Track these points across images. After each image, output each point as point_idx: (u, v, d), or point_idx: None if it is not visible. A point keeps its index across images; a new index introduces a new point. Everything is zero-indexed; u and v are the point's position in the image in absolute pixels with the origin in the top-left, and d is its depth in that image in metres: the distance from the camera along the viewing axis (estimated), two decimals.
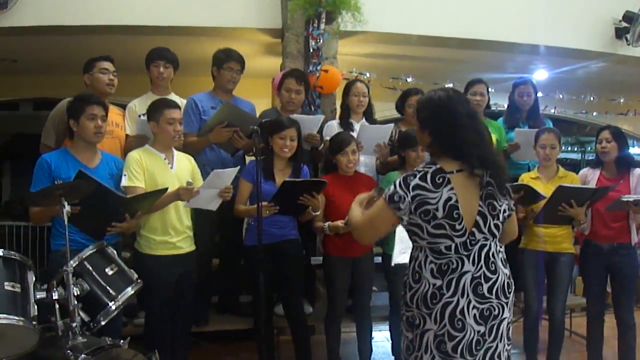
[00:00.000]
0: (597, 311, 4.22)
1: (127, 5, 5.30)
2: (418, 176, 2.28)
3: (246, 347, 4.53)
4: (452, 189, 2.26)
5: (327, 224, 3.84)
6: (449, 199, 2.25)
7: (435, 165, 2.31)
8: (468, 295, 2.27)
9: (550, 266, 4.12)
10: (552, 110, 7.48)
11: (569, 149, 12.01)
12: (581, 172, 4.40)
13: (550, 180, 4.10)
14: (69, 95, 3.62)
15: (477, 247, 2.30)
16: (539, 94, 5.13)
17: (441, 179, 2.27)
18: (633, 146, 10.40)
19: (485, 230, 2.31)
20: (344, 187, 3.94)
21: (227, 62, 4.28)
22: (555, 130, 4.28)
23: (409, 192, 2.26)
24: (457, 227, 2.26)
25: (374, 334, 4.87)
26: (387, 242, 4.06)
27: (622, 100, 7.48)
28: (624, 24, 6.43)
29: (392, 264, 3.58)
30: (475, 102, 4.74)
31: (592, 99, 7.51)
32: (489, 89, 4.90)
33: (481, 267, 2.30)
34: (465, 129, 2.30)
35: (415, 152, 3.97)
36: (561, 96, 7.38)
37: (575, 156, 12.29)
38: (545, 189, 3.93)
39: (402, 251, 3.44)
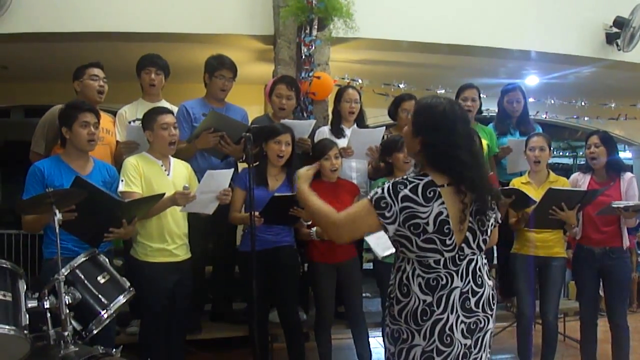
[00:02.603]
0: (591, 315, 4.23)
1: (119, 12, 5.29)
2: (409, 187, 2.19)
3: (240, 355, 4.52)
4: (442, 203, 2.19)
5: (314, 229, 3.83)
6: (440, 213, 2.18)
7: (426, 177, 2.22)
8: (457, 311, 2.23)
9: (543, 271, 4.13)
10: (544, 116, 7.51)
11: (561, 153, 12.07)
12: (572, 176, 4.42)
13: (540, 185, 4.12)
14: (60, 102, 3.62)
15: (465, 262, 2.26)
16: (531, 100, 5.16)
17: (432, 193, 2.18)
18: (624, 150, 10.45)
19: (474, 246, 2.27)
20: (327, 194, 3.89)
21: (219, 69, 4.27)
22: (545, 135, 4.30)
23: (398, 203, 2.17)
24: (448, 242, 2.21)
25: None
26: None
27: (613, 105, 7.51)
28: (615, 30, 6.47)
29: (380, 258, 3.55)
30: (467, 108, 4.76)
31: (583, 104, 7.54)
32: (481, 95, 4.91)
33: (469, 281, 2.26)
34: (462, 150, 2.21)
35: (402, 153, 3.94)
36: (552, 101, 7.41)
37: (567, 161, 12.36)
38: (536, 194, 3.95)
39: (383, 245, 3.43)
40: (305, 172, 2.56)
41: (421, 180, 2.21)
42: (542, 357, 4.20)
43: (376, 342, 4.54)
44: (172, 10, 5.42)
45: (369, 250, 4.29)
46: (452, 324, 2.22)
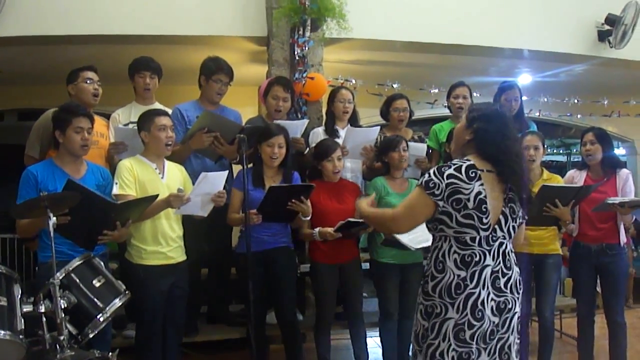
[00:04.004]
0: (587, 312, 4.25)
1: (112, 15, 5.27)
2: (453, 167, 2.43)
3: (237, 357, 4.51)
4: (482, 184, 2.41)
5: (317, 229, 3.83)
6: (480, 192, 2.40)
7: (469, 161, 2.46)
8: (488, 288, 2.42)
9: (538, 268, 4.14)
10: (537, 114, 7.51)
11: (555, 151, 12.09)
12: (568, 174, 4.43)
13: (534, 183, 4.11)
14: (54, 105, 3.60)
15: (497, 243, 2.46)
16: (524, 98, 5.15)
17: (474, 174, 2.41)
18: (618, 147, 10.47)
19: (505, 230, 2.48)
20: (329, 194, 3.95)
21: (216, 73, 4.25)
22: (538, 133, 4.31)
23: (444, 180, 2.40)
24: (484, 220, 2.41)
25: None
26: (375, 249, 4.07)
27: (605, 102, 7.53)
28: (607, 27, 6.48)
29: (414, 249, 3.59)
30: (458, 105, 4.78)
31: (576, 101, 7.56)
32: (473, 93, 4.92)
33: (499, 262, 2.47)
34: (511, 141, 2.49)
35: (397, 152, 4.01)
36: (545, 99, 7.41)
37: (561, 158, 12.38)
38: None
39: (417, 239, 3.46)
40: (364, 201, 2.82)
41: (464, 162, 2.45)
42: (539, 354, 4.21)
43: (373, 342, 4.54)
44: (165, 12, 5.40)
45: (365, 250, 4.31)
46: (483, 299, 2.41)
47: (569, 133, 10.55)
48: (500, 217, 2.46)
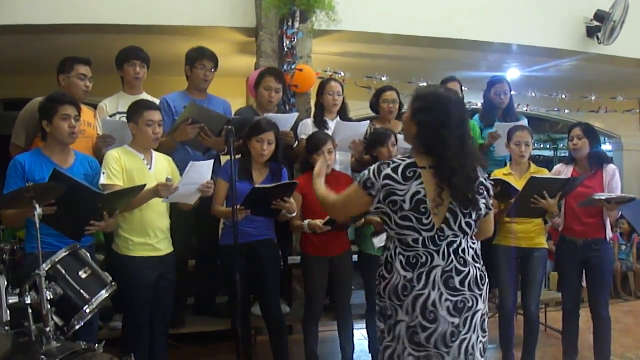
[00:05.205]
0: (573, 305, 4.29)
1: (100, 4, 5.23)
2: (391, 167, 2.35)
3: (224, 348, 4.51)
4: (421, 183, 2.31)
5: (306, 221, 3.83)
6: (417, 192, 2.31)
7: (409, 158, 2.37)
8: (439, 288, 2.32)
9: (524, 262, 4.16)
10: (525, 108, 7.56)
11: (542, 146, 12.17)
12: (555, 168, 4.46)
13: (522, 176, 4.13)
14: (40, 95, 3.56)
15: (445, 242, 2.36)
16: (512, 92, 5.18)
17: (412, 173, 2.33)
18: (604, 143, 10.56)
19: (455, 228, 2.36)
20: None
21: (199, 60, 4.23)
22: (528, 128, 4.33)
23: (379, 180, 2.34)
24: (424, 220, 2.32)
25: None
26: (363, 241, 4.08)
27: (593, 98, 7.59)
28: (595, 23, 6.53)
29: (375, 249, 3.65)
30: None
31: (563, 96, 7.62)
32: (463, 87, 4.93)
33: (451, 261, 2.35)
34: (451, 132, 2.32)
35: (386, 147, 4.02)
36: (533, 94, 7.47)
37: (548, 153, 12.47)
38: (517, 185, 3.96)
39: (382, 239, 3.49)
40: (316, 172, 2.82)
41: (404, 161, 2.37)
42: (523, 347, 4.23)
43: (359, 334, 4.55)
44: (153, 2, 5.37)
45: (353, 242, 4.31)
46: (434, 300, 2.31)
47: (556, 128, 10.63)
48: (448, 214, 2.34)
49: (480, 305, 2.40)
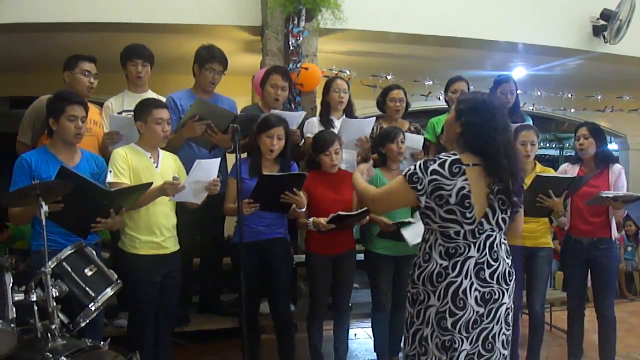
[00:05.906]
0: (578, 305, 4.28)
1: (106, 3, 5.24)
2: (437, 162, 2.47)
3: (230, 346, 4.52)
4: (466, 179, 2.43)
5: (311, 219, 3.82)
6: (462, 188, 2.43)
7: (455, 155, 2.49)
8: (471, 278, 2.47)
9: (529, 261, 4.15)
10: (531, 107, 7.55)
11: (547, 145, 12.15)
12: (561, 167, 4.45)
13: (527, 176, 4.11)
14: (46, 93, 3.57)
15: (483, 236, 2.50)
16: (518, 91, 5.16)
17: (458, 169, 2.45)
18: (611, 142, 10.53)
19: (493, 222, 2.50)
20: (326, 185, 3.94)
21: (209, 62, 4.21)
22: (534, 128, 4.31)
23: (427, 175, 2.46)
24: (467, 215, 2.45)
25: (356, 330, 4.88)
26: (370, 240, 4.07)
27: (599, 97, 7.57)
28: (602, 22, 6.51)
29: (410, 245, 3.67)
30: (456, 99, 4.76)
31: (569, 95, 7.60)
32: (469, 87, 4.91)
33: (485, 254, 2.50)
34: (498, 133, 2.47)
35: (395, 144, 4.00)
36: (539, 93, 7.45)
37: (554, 152, 12.45)
38: (523, 185, 3.95)
39: (415, 235, 3.56)
40: (360, 168, 3.08)
41: (449, 157, 2.49)
42: (529, 346, 4.23)
43: (365, 333, 4.56)
44: (159, 1, 5.37)
45: (358, 241, 4.31)
46: (465, 289, 2.47)
47: (562, 127, 10.60)
48: (488, 210, 2.48)
49: (506, 299, 2.54)
